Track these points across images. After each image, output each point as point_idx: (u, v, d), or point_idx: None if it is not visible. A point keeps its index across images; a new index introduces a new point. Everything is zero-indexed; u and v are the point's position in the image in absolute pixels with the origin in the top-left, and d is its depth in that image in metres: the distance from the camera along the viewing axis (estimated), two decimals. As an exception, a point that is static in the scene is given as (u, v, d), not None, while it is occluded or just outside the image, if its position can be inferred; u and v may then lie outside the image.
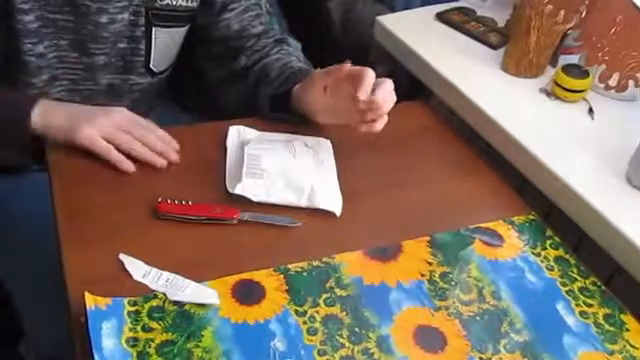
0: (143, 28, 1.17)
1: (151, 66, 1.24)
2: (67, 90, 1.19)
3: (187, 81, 1.49)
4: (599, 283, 0.99)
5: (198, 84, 1.42)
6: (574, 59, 1.41)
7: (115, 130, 1.05)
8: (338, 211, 1.04)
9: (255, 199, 1.02)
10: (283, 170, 1.06)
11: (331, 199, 1.05)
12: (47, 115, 1.05)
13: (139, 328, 0.82)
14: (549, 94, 1.35)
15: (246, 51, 1.28)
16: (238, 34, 1.28)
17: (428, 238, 1.02)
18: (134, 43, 1.19)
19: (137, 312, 0.84)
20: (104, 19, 1.13)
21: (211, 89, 1.35)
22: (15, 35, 1.07)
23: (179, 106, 1.45)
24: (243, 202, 1.02)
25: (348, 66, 1.04)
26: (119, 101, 1.25)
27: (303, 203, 1.04)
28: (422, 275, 0.96)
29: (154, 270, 0.90)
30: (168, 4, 1.18)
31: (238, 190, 1.02)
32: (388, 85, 1.06)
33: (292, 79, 1.17)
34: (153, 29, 1.19)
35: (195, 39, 1.30)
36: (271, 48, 1.28)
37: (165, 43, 1.23)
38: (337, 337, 0.85)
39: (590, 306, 0.96)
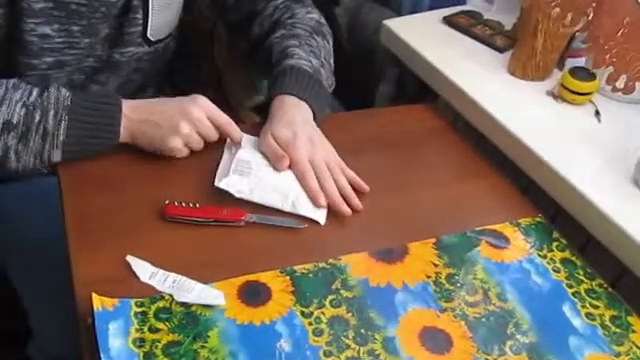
0: None
1: (148, 35, 1.22)
2: (71, 72, 1.18)
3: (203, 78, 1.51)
4: (605, 285, 0.99)
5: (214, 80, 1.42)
6: (581, 62, 1.41)
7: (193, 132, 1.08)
8: (322, 220, 1.04)
9: (238, 195, 1.02)
10: (271, 174, 1.07)
11: (315, 208, 1.05)
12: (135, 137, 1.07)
13: (146, 329, 0.83)
14: (556, 97, 1.35)
15: (258, 17, 1.28)
16: None
17: (434, 240, 1.02)
18: (131, 13, 1.17)
19: (144, 313, 0.84)
20: None
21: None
22: (19, 14, 1.06)
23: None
24: (250, 204, 1.02)
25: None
26: (117, 75, 1.25)
27: (286, 208, 1.04)
28: (428, 276, 0.96)
29: (161, 271, 0.91)
30: None
31: (222, 185, 1.03)
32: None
33: (274, 86, 1.17)
34: None
35: (214, 10, 1.29)
36: (282, 14, 1.28)
37: (162, 11, 1.22)
38: (343, 338, 0.86)
39: (596, 308, 0.95)
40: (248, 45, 1.31)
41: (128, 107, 1.05)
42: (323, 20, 1.32)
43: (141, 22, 1.19)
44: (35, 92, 1.00)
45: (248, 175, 1.06)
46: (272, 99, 1.15)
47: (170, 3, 1.23)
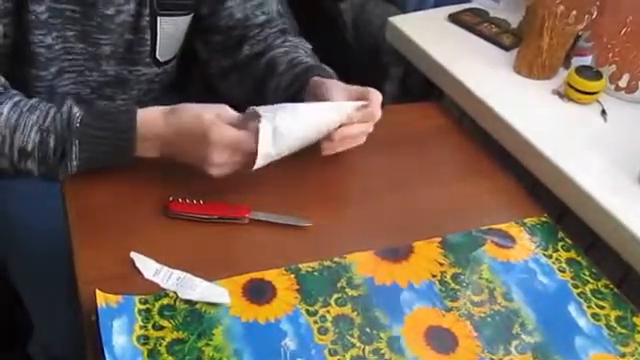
0: (148, 18, 1.17)
1: (157, 56, 1.23)
2: (75, 83, 1.19)
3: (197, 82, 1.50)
4: (611, 285, 0.99)
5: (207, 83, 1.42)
6: (587, 61, 1.40)
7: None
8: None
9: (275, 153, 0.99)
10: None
11: None
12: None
13: (150, 326, 0.83)
14: (562, 96, 1.34)
15: (249, 40, 1.28)
16: (241, 23, 1.27)
17: (440, 239, 1.02)
18: (140, 33, 1.18)
19: (148, 310, 0.84)
20: (111, 11, 1.12)
21: (214, 81, 1.35)
22: (26, 26, 1.07)
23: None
24: (254, 201, 1.02)
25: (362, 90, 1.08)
26: (126, 92, 1.25)
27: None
28: (433, 276, 0.96)
29: (165, 269, 0.90)
30: None
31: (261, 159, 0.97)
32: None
33: (307, 74, 1.15)
34: (158, 18, 1.18)
35: (199, 29, 1.29)
36: (275, 39, 1.28)
37: (170, 32, 1.22)
38: (348, 337, 0.85)
39: (602, 308, 0.95)
40: (231, 63, 1.31)
41: (146, 132, 1.00)
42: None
43: (149, 42, 1.20)
44: (51, 113, 0.99)
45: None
46: (307, 83, 1.14)
47: (178, 24, 1.23)
